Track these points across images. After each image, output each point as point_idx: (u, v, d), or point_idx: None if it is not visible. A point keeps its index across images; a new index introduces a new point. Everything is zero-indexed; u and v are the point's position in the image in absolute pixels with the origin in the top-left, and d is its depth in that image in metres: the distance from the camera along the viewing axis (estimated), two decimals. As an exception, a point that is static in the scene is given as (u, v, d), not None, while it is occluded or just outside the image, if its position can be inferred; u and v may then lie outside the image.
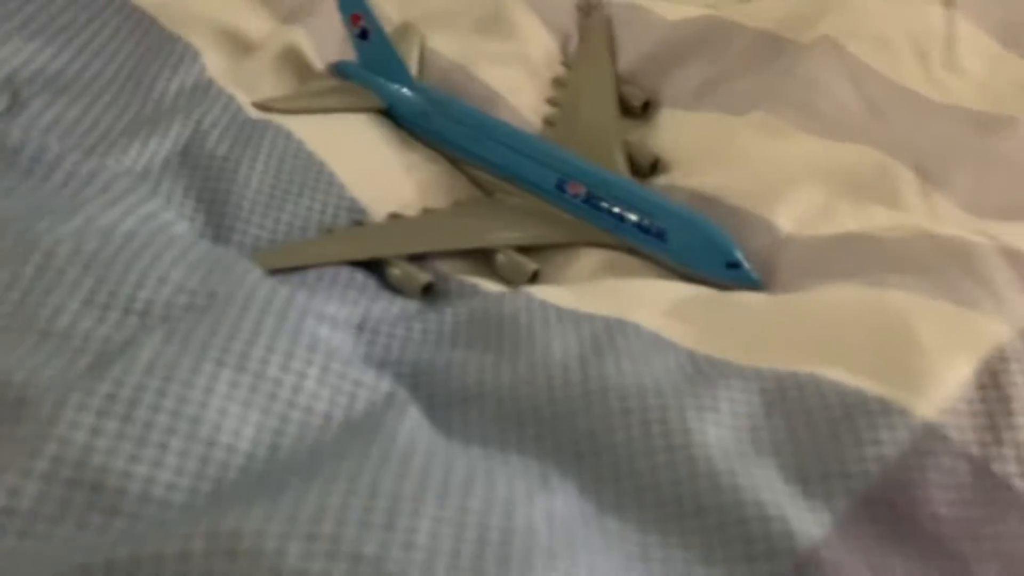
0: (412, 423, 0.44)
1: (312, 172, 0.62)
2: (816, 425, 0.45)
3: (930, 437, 0.44)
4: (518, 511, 0.38)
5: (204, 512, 0.38)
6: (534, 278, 0.60)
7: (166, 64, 0.66)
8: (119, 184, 0.52)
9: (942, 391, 0.46)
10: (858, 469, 0.43)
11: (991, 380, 0.47)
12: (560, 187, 0.64)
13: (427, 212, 0.64)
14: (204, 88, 0.66)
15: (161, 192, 0.57)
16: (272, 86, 0.69)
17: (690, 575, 0.40)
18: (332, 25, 0.72)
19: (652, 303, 0.55)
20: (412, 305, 0.57)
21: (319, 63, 0.73)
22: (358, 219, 0.62)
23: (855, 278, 0.54)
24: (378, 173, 0.65)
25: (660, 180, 0.68)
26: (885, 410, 0.45)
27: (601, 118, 0.72)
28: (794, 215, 0.62)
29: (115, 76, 0.64)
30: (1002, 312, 0.50)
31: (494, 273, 0.61)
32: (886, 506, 0.42)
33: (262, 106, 0.67)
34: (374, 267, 0.59)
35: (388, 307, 0.55)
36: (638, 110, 0.74)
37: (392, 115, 0.70)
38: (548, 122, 0.73)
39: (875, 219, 0.61)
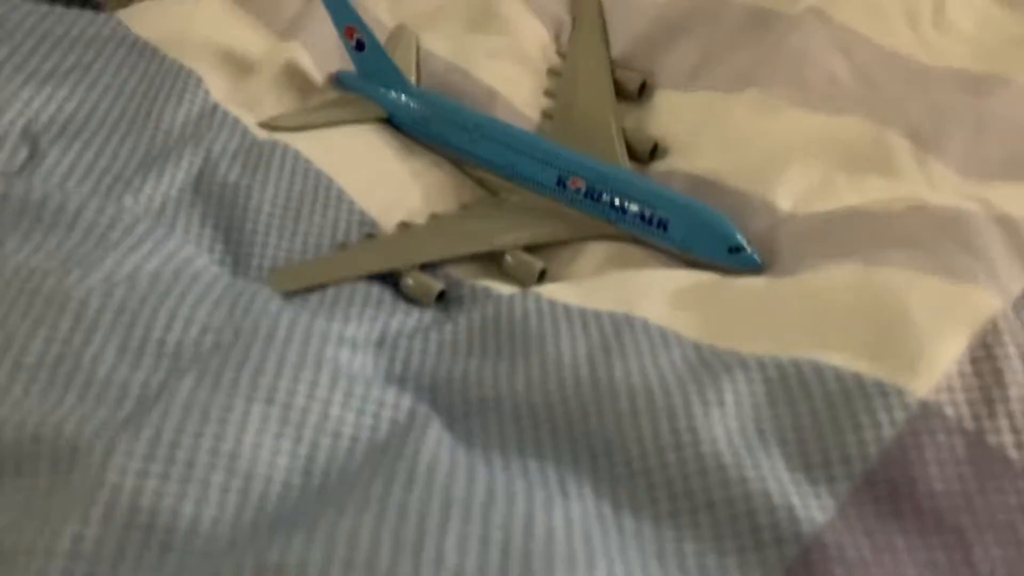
0: (434, 438, 0.46)
1: (322, 189, 0.65)
2: (817, 412, 0.47)
3: (926, 416, 0.46)
4: (537, 521, 0.41)
5: (250, 542, 0.41)
6: (542, 276, 0.63)
7: (172, 94, 0.68)
8: (140, 226, 0.55)
9: (936, 368, 0.48)
10: (858, 452, 0.45)
11: (984, 353, 0.48)
12: (561, 183, 0.66)
13: (435, 218, 0.67)
14: (210, 114, 0.68)
15: (179, 226, 0.60)
16: (275, 104, 0.71)
17: (703, 567, 0.42)
18: (329, 36, 0.74)
19: (657, 294, 0.57)
20: (427, 315, 0.59)
21: (319, 76, 0.74)
22: (369, 231, 0.64)
23: (852, 256, 0.56)
24: (385, 184, 0.67)
25: (659, 165, 0.70)
26: (882, 392, 0.47)
27: (598, 107, 0.73)
28: (793, 193, 0.64)
29: (124, 112, 0.67)
30: (996, 284, 0.51)
31: (504, 274, 0.63)
32: (886, 486, 0.45)
33: (267, 126, 0.69)
34: (388, 278, 0.62)
35: (404, 320, 0.58)
36: (634, 94, 0.75)
37: (394, 123, 0.72)
38: (546, 115, 0.74)
39: (872, 191, 0.62)
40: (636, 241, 0.64)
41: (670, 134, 0.71)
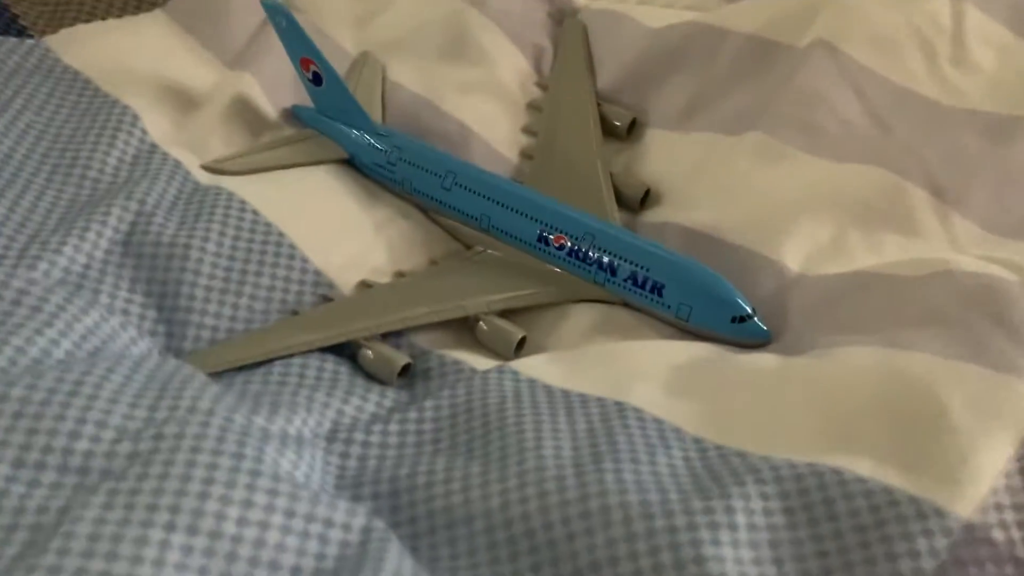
0: (392, 567, 0.39)
1: (271, 246, 0.57)
2: (843, 536, 0.40)
3: (971, 542, 0.39)
4: None
5: None
6: (521, 343, 0.55)
7: (103, 133, 0.61)
8: (52, 300, 0.47)
9: (982, 482, 0.41)
10: (894, 588, 0.38)
11: (1035, 461, 0.42)
12: (543, 239, 0.59)
13: (399, 277, 0.59)
14: (146, 157, 0.60)
15: (103, 293, 0.52)
16: (223, 142, 0.64)
17: None
18: (283, 66, 0.66)
19: (652, 374, 0.51)
20: (388, 396, 0.52)
21: (272, 111, 0.67)
22: (325, 294, 0.57)
23: (873, 334, 0.49)
24: (344, 238, 0.60)
25: (651, 216, 0.63)
26: (919, 513, 0.40)
27: (583, 147, 0.66)
28: (802, 252, 0.57)
29: (46, 156, 0.59)
30: (1040, 372, 0.45)
31: (478, 343, 0.56)
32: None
33: (212, 169, 0.61)
34: (346, 348, 0.54)
35: (362, 404, 0.50)
36: (623, 132, 0.68)
37: (355, 165, 0.64)
38: (526, 155, 0.67)
39: (890, 251, 0.56)
40: (626, 304, 0.57)
41: (663, 180, 0.64)
